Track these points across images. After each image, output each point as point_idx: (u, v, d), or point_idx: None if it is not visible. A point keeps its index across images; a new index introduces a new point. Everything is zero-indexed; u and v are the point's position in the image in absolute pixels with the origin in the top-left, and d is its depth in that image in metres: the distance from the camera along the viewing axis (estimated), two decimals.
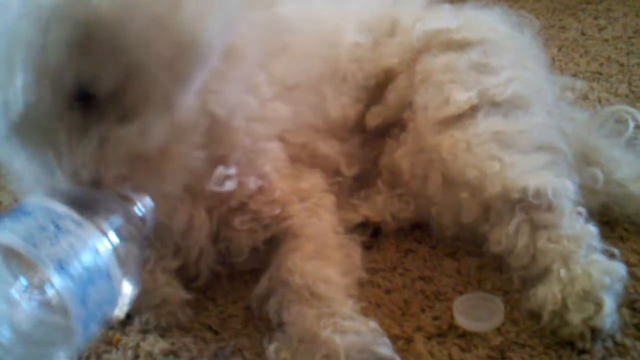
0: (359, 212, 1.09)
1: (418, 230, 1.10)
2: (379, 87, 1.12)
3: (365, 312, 0.90)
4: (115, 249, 0.67)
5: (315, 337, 0.82)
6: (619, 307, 0.89)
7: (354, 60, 1.10)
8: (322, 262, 0.93)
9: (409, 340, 0.88)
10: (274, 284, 0.92)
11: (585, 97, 1.48)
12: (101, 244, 0.66)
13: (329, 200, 1.03)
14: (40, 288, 0.62)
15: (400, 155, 1.08)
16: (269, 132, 0.97)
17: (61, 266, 0.61)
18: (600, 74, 1.64)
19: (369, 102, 1.13)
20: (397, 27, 1.14)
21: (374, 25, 1.14)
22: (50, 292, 0.61)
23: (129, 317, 0.95)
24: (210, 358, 0.88)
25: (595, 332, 0.84)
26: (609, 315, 0.84)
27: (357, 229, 1.07)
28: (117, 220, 0.70)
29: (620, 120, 1.19)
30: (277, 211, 0.97)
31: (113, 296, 0.67)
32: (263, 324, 0.92)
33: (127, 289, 0.69)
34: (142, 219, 0.75)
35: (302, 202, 0.99)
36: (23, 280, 0.62)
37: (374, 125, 1.12)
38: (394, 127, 1.11)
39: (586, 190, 1.03)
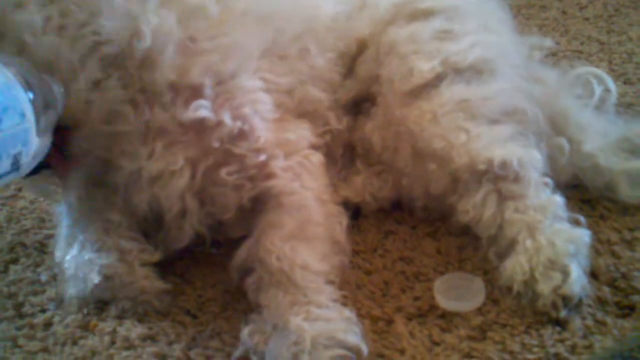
0: (338, 193, 1.08)
1: (398, 211, 1.10)
2: (353, 59, 1.11)
3: (345, 294, 0.89)
4: (31, 100, 0.72)
5: (286, 324, 0.82)
6: (602, 284, 0.90)
7: (333, 30, 1.09)
8: (302, 243, 0.91)
9: (390, 322, 0.88)
10: (252, 260, 0.91)
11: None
12: (17, 88, 0.71)
13: (316, 159, 1.00)
14: None
15: (370, 128, 1.07)
16: (232, 66, 0.92)
17: None
18: (581, 52, 1.63)
19: (346, 75, 1.11)
20: (367, 0, 1.13)
21: None
22: None
23: (105, 303, 0.93)
24: (188, 342, 0.87)
25: (566, 300, 0.85)
26: (576, 282, 0.85)
27: None
28: (35, 83, 0.74)
29: (587, 83, 1.19)
30: (262, 157, 0.94)
31: (26, 138, 0.72)
32: (242, 307, 0.91)
33: (42, 140, 0.75)
34: (54, 98, 0.78)
35: (288, 158, 0.97)
36: None
37: (348, 99, 1.11)
38: (365, 102, 1.11)
39: (554, 162, 1.04)
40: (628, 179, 1.04)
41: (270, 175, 0.95)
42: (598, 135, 1.09)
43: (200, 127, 0.90)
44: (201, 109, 0.89)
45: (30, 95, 0.72)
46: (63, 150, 0.87)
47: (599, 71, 1.23)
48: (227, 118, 0.91)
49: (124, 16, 0.84)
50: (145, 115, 0.88)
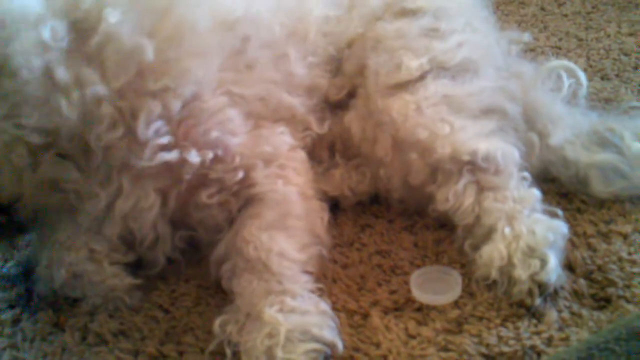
0: (317, 187, 1.07)
1: (376, 205, 1.09)
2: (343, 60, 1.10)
3: (321, 288, 0.88)
4: None
5: (260, 315, 0.80)
6: (579, 277, 0.90)
7: (324, 34, 1.07)
8: (281, 232, 0.90)
9: (366, 315, 0.87)
10: (230, 250, 0.89)
11: None
12: None
13: (299, 157, 0.99)
14: None
15: (350, 119, 1.06)
16: (189, 91, 0.88)
17: None
18: (559, 48, 1.64)
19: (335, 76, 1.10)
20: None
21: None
22: None
23: (76, 300, 0.92)
24: (161, 338, 0.86)
25: (542, 288, 0.85)
26: (553, 270, 0.86)
27: None
28: None
29: (559, 77, 1.19)
30: (240, 175, 0.92)
31: None
32: (215, 302, 0.90)
33: None
34: None
35: (267, 166, 0.95)
36: None
37: (338, 99, 1.09)
38: (348, 96, 1.09)
39: (527, 157, 1.04)
40: (600, 173, 1.04)
41: (252, 185, 0.94)
42: (567, 128, 1.09)
43: (166, 165, 0.88)
44: (159, 154, 0.86)
45: None
46: (11, 223, 0.88)
47: (570, 64, 1.23)
48: (192, 156, 0.88)
49: (45, 96, 0.81)
50: (99, 158, 0.86)
